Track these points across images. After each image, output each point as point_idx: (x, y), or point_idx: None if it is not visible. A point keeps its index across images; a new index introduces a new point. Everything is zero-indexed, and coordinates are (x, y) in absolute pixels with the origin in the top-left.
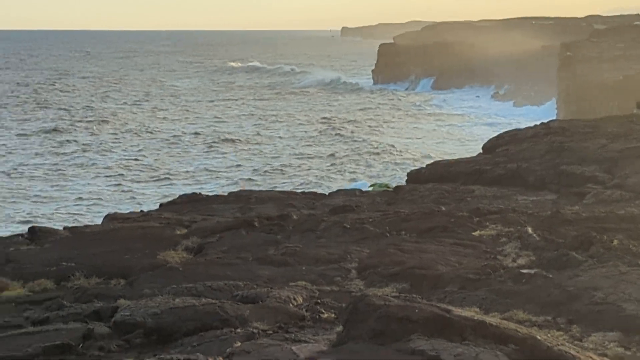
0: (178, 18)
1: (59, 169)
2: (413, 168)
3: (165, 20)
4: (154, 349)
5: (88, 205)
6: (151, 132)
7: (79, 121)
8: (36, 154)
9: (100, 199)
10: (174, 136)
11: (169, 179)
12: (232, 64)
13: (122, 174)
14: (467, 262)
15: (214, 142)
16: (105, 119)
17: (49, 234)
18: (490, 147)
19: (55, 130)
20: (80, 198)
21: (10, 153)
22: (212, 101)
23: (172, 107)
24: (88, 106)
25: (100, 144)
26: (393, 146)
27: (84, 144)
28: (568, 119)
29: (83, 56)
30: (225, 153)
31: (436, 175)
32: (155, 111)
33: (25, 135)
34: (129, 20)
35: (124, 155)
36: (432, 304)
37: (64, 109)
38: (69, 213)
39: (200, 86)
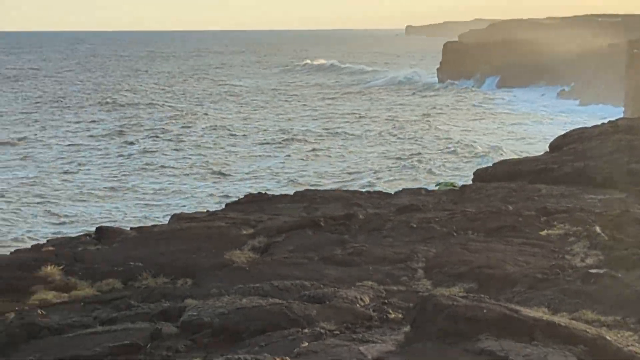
0: (241, 18)
1: (125, 169)
2: (479, 167)
3: (228, 20)
4: (221, 348)
5: (154, 205)
6: (216, 131)
7: (146, 120)
8: (103, 153)
9: (166, 197)
10: (238, 135)
11: (232, 178)
12: (300, 62)
13: (187, 174)
14: (535, 261)
15: (279, 141)
16: (172, 118)
17: (117, 234)
18: (557, 145)
19: (122, 129)
20: (145, 197)
21: (77, 152)
22: (278, 100)
23: (238, 106)
24: (151, 103)
25: (166, 142)
26: (459, 144)
27: (149, 144)
28: (636, 116)
29: (148, 56)
30: (290, 152)
31: (503, 174)
32: (221, 111)
33: (93, 135)
34: (191, 20)
35: (189, 154)
36: (500, 304)
37: (131, 108)
38: (135, 213)
39: (267, 85)
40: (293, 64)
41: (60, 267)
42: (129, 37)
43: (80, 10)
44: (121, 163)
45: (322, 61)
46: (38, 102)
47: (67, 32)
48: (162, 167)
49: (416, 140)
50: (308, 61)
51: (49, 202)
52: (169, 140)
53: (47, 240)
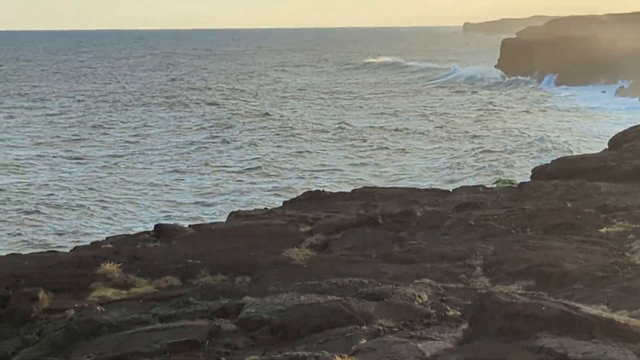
0: (294, 16)
1: (183, 165)
2: (537, 164)
3: (282, 19)
4: (280, 345)
5: (212, 202)
6: (276, 128)
7: (206, 118)
8: (163, 151)
9: (224, 195)
10: (299, 132)
11: (290, 175)
12: (364, 60)
13: (244, 171)
14: (594, 259)
15: (339, 138)
16: (231, 116)
17: (175, 232)
18: (616, 142)
19: (180, 126)
20: (203, 194)
21: (138, 148)
22: (342, 98)
23: (299, 104)
24: (214, 103)
25: (224, 140)
26: (517, 142)
27: (208, 141)
28: None
29: (205, 55)
30: (350, 150)
31: (561, 171)
32: (283, 109)
33: (150, 134)
34: (249, 18)
35: (247, 152)
36: (559, 302)
37: (193, 106)
38: (193, 211)
39: (329, 82)
40: (356, 61)
41: (119, 265)
42: (184, 35)
43: (141, 9)
44: (180, 159)
45: (385, 59)
46: (105, 101)
47: (129, 30)
48: (221, 164)
49: (475, 137)
50: (371, 59)
51: (106, 197)
52: (227, 137)
53: (106, 238)
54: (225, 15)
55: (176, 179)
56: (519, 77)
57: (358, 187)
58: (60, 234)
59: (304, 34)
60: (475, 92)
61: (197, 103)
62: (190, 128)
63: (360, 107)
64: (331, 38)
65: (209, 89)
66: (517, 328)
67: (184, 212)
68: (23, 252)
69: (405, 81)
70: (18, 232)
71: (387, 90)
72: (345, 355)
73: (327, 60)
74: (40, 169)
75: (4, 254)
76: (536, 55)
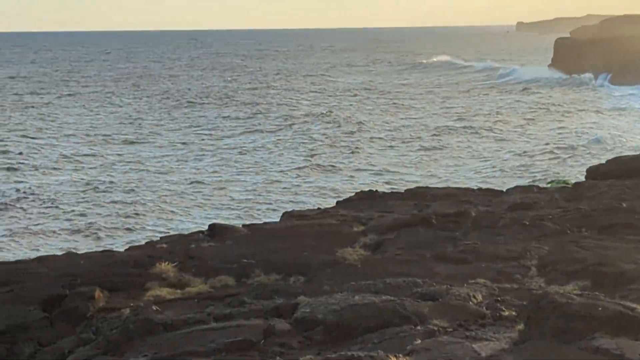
0: (347, 16)
1: (237, 165)
2: (592, 164)
3: (335, 18)
4: (334, 345)
5: (264, 201)
6: (331, 128)
7: (256, 117)
8: (214, 152)
9: (277, 194)
10: (353, 132)
11: (342, 175)
12: (419, 60)
13: (297, 169)
14: None
15: (394, 137)
16: (283, 116)
17: (229, 231)
18: None
19: (235, 125)
20: (255, 194)
21: (191, 148)
22: (396, 97)
23: (356, 103)
24: (269, 103)
25: (278, 139)
26: (572, 141)
27: (262, 140)
28: None
29: (259, 55)
30: (405, 149)
31: (616, 171)
32: (338, 108)
33: (199, 133)
34: (300, 18)
35: (300, 151)
36: (616, 302)
37: (248, 106)
38: (245, 210)
39: (385, 82)
40: (409, 61)
41: (174, 264)
42: (235, 35)
43: (196, 11)
44: (233, 159)
45: (440, 58)
46: (163, 100)
47: (181, 31)
48: (274, 163)
49: (530, 136)
50: (425, 59)
51: (160, 197)
52: (281, 137)
53: (160, 238)
54: (275, 15)
55: (229, 179)
56: (573, 76)
57: (410, 187)
58: (114, 233)
59: (353, 35)
60: (530, 91)
61: (250, 103)
62: (244, 127)
63: (415, 107)
64: (381, 38)
65: (263, 88)
66: (573, 328)
67: (238, 211)
68: (79, 252)
69: (461, 80)
70: (72, 230)
71: (443, 90)
72: (400, 355)
73: (380, 60)
74: (93, 167)
75: (60, 253)
76: (590, 55)
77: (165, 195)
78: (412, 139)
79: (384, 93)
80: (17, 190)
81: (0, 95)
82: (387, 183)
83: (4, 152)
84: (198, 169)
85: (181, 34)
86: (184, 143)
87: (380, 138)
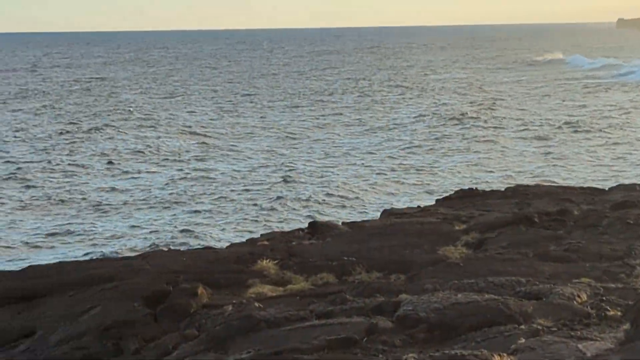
0: (452, 12)
1: (338, 163)
2: None
3: (437, 14)
4: (437, 344)
5: (362, 200)
6: (436, 126)
7: (363, 114)
8: (313, 148)
9: (376, 193)
10: (454, 127)
11: (437, 173)
12: (533, 57)
13: (393, 168)
14: None
15: (520, 134)
16: (387, 110)
17: (329, 229)
18: None
19: (337, 121)
20: (354, 192)
21: (312, 147)
22: (514, 95)
23: (464, 100)
24: (379, 102)
25: (373, 136)
26: None
27: (367, 140)
28: None
29: (370, 51)
30: (513, 146)
31: None
32: (443, 104)
33: (292, 133)
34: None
35: (398, 152)
36: None
37: (355, 105)
38: (343, 208)
39: (507, 80)
40: (519, 58)
41: (275, 262)
42: (335, 33)
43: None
44: (339, 158)
45: (553, 55)
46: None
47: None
48: (365, 163)
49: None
50: (537, 57)
51: (258, 193)
52: (377, 133)
53: (261, 235)
54: (371, 13)
55: (329, 178)
56: None
57: (511, 185)
58: (216, 232)
59: (447, 32)
60: (624, 90)
61: (359, 103)
62: (347, 126)
63: (546, 104)
64: (481, 36)
65: (374, 85)
66: None
67: (335, 209)
68: (181, 249)
69: (578, 77)
70: (176, 227)
71: (562, 89)
72: (504, 354)
73: (493, 57)
74: (196, 166)
75: (165, 249)
76: None
77: (261, 192)
78: (540, 137)
79: (507, 89)
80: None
81: None
82: (488, 182)
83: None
84: (302, 166)
85: (280, 32)
86: (294, 138)
87: (479, 136)
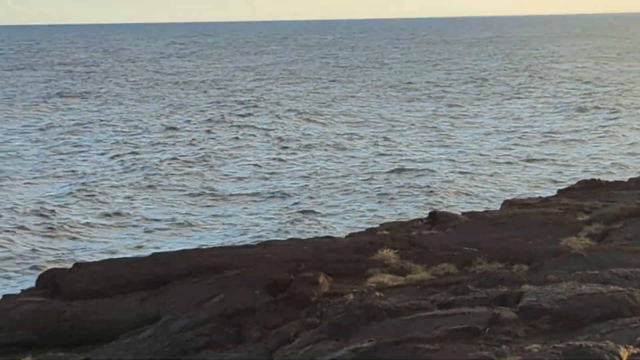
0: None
1: (459, 153)
2: None
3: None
4: (561, 335)
5: (481, 190)
6: (559, 115)
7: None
8: (418, 139)
9: (495, 184)
10: (577, 117)
11: (567, 164)
12: None
13: (515, 158)
14: None
15: (611, 125)
16: (501, 100)
17: (450, 219)
18: None
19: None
20: (477, 182)
21: (412, 138)
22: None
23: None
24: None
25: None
26: None
27: (503, 135)
28: None
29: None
30: (621, 138)
31: None
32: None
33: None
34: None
35: (530, 144)
36: None
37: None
38: (468, 197)
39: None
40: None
41: (396, 251)
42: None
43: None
44: (449, 148)
45: None
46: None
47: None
48: (483, 153)
49: None
50: None
51: (377, 182)
52: (494, 123)
53: (381, 224)
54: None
55: (446, 168)
56: None
57: (634, 177)
58: (336, 221)
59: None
60: None
61: (479, 95)
62: (463, 116)
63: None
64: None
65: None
66: None
67: (454, 200)
68: (302, 238)
69: None
70: (295, 216)
71: None
72: (630, 346)
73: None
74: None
75: (284, 238)
76: None
77: (377, 181)
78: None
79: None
80: None
81: None
82: (610, 172)
83: None
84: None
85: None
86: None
87: (595, 126)
